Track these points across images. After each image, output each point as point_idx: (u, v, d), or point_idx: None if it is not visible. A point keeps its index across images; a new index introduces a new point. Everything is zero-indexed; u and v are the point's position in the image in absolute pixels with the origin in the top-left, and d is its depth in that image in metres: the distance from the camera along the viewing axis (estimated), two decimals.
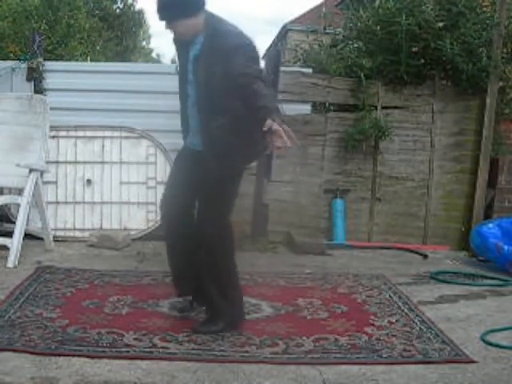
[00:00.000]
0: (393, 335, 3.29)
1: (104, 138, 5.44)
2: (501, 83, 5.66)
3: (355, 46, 5.89)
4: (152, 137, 5.43)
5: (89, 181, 5.40)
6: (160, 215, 3.51)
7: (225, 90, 3.01)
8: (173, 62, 21.82)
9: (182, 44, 3.23)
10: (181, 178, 3.29)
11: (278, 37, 25.30)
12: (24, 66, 5.50)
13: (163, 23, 3.07)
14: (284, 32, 24.17)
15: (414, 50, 5.54)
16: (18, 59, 5.72)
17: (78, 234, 5.31)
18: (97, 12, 19.43)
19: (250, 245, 5.25)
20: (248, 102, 2.93)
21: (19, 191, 4.65)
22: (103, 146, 5.44)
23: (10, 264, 4.28)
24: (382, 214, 5.75)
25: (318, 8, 18.04)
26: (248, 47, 3.06)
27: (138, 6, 24.94)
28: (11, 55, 7.64)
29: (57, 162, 5.36)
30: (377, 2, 5.73)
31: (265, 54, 8.34)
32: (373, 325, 3.44)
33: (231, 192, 3.25)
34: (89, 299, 3.67)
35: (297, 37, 15.42)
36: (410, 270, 4.81)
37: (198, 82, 3.10)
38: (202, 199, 3.27)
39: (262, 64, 4.96)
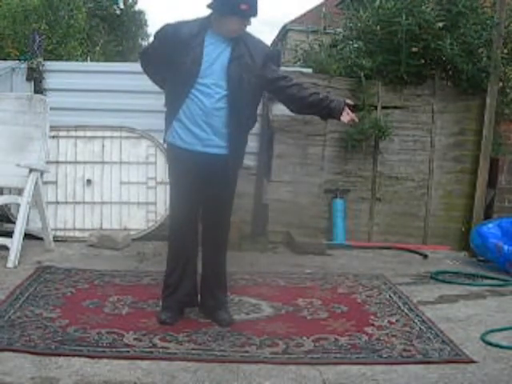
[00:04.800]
0: (393, 335, 3.29)
1: (104, 138, 5.45)
2: (501, 83, 5.66)
3: (355, 45, 5.89)
4: (152, 137, 5.42)
5: (89, 181, 5.40)
6: (174, 221, 3.38)
7: (252, 92, 3.20)
8: None
9: (215, 45, 3.17)
10: (192, 185, 3.26)
11: (278, 37, 25.34)
12: (24, 66, 5.50)
13: (243, 19, 3.12)
14: (284, 32, 24.19)
15: (414, 50, 5.54)
16: (18, 59, 5.72)
17: (77, 234, 5.31)
18: (97, 12, 19.44)
19: (249, 245, 5.26)
20: (304, 98, 3.28)
21: (19, 191, 4.65)
22: (103, 146, 5.44)
23: (10, 264, 4.28)
24: (382, 213, 5.75)
25: (317, 8, 18.06)
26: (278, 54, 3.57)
27: (137, 7, 25.01)
28: (11, 55, 7.63)
29: (57, 162, 5.36)
30: (377, 2, 5.73)
31: None
32: (373, 325, 3.44)
33: None
34: (89, 299, 3.67)
35: (297, 37, 15.42)
36: (409, 269, 4.81)
37: (234, 82, 3.13)
38: (221, 200, 3.33)
39: None
